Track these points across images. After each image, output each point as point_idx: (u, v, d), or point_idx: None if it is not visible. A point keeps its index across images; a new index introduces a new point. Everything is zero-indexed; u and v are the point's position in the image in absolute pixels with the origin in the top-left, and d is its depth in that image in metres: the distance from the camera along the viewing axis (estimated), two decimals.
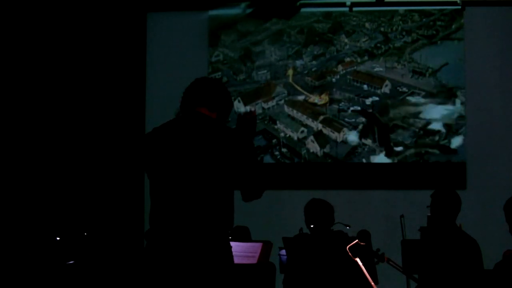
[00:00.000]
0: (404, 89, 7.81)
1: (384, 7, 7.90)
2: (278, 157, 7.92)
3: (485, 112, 7.70)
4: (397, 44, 7.88)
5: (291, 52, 8.03)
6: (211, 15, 8.11)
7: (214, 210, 3.09)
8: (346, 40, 7.98)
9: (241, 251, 4.84)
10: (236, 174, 3.14)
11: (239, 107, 7.99)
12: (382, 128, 7.78)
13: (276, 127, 7.96)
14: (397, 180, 7.74)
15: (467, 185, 7.58)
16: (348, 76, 7.92)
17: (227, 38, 8.10)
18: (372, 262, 5.15)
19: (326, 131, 7.87)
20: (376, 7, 7.91)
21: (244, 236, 6.18)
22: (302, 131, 7.91)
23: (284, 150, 7.91)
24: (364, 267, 4.56)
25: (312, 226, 5.40)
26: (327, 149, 7.85)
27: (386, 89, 7.84)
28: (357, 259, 4.57)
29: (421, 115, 7.76)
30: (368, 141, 7.80)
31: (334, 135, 7.86)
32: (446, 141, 7.70)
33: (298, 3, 8.01)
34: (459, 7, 7.77)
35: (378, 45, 7.92)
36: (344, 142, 7.84)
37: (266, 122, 7.97)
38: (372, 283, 4.54)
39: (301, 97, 7.95)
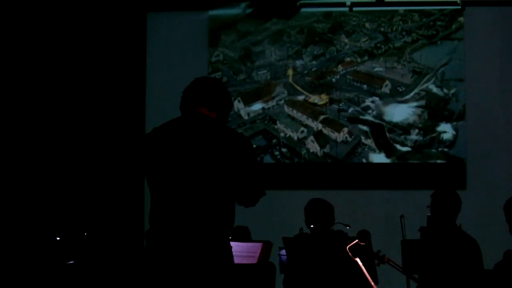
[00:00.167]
0: (404, 89, 7.81)
1: (384, 7, 7.90)
2: (278, 157, 7.91)
3: (485, 112, 7.70)
4: (397, 44, 7.88)
5: (291, 52, 8.03)
6: (211, 15, 8.11)
7: (214, 210, 3.09)
8: (346, 40, 7.98)
9: (241, 251, 4.84)
10: (236, 174, 3.13)
11: (239, 107, 7.99)
12: (381, 131, 7.78)
13: (276, 127, 7.96)
14: (397, 180, 7.74)
15: (467, 185, 7.58)
16: (348, 76, 7.92)
17: (227, 38, 8.10)
18: (372, 262, 5.15)
19: (326, 131, 7.87)
20: (376, 7, 7.91)
21: (244, 236, 6.17)
22: (302, 131, 7.91)
23: (284, 150, 7.91)
24: (364, 267, 4.56)
25: (312, 226, 5.40)
26: (327, 149, 7.85)
27: (386, 89, 7.84)
28: (357, 259, 4.56)
29: (421, 115, 7.76)
30: (368, 141, 7.80)
31: (334, 135, 7.86)
32: (446, 141, 7.70)
33: (298, 3, 8.01)
34: (459, 7, 7.77)
35: (378, 45, 7.92)
36: (344, 142, 7.84)
37: (266, 122, 7.97)
38: (372, 283, 4.54)
39: (301, 97, 7.95)
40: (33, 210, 7.29)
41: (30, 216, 7.20)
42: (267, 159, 7.91)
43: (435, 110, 7.75)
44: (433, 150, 7.71)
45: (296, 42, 8.03)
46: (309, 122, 7.90)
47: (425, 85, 7.79)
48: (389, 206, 7.52)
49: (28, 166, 7.46)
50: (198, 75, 3.48)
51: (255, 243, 5.03)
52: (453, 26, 7.81)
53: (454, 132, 7.70)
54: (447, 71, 7.77)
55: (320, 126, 7.89)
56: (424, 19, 7.88)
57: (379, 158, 7.76)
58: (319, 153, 7.87)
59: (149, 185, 3.20)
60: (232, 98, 3.67)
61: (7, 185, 7.26)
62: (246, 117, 7.99)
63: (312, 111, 7.92)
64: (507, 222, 4.53)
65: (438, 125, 7.72)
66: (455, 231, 4.95)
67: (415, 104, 7.78)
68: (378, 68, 7.88)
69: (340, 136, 7.84)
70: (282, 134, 7.94)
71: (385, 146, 7.76)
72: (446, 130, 7.71)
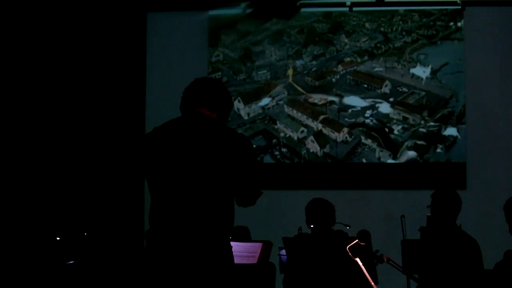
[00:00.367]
0: (404, 89, 7.81)
1: (384, 7, 7.90)
2: (278, 157, 7.91)
3: (485, 112, 7.70)
4: (397, 44, 7.88)
5: (291, 52, 8.03)
6: (211, 15, 8.11)
7: (214, 210, 3.09)
8: (346, 40, 7.98)
9: (241, 251, 4.84)
10: (236, 175, 3.13)
11: (239, 107, 7.99)
12: (382, 131, 7.78)
13: (276, 127, 7.95)
14: (397, 180, 7.74)
15: (467, 185, 7.58)
16: (348, 76, 7.92)
17: (227, 38, 8.10)
18: (372, 262, 5.15)
19: (326, 131, 7.87)
20: (376, 7, 7.91)
21: (244, 236, 6.17)
22: (302, 131, 7.91)
23: (284, 150, 7.91)
24: (364, 267, 4.56)
25: (312, 226, 5.40)
26: (327, 149, 7.85)
27: (386, 89, 7.84)
28: (357, 259, 4.56)
29: (421, 115, 7.76)
30: (368, 141, 7.80)
31: (334, 135, 7.86)
32: (446, 141, 7.71)
33: (298, 3, 8.01)
34: (459, 7, 7.77)
35: (378, 45, 7.92)
36: (344, 142, 7.84)
37: (266, 122, 7.97)
38: (372, 283, 4.54)
39: (301, 97, 7.95)
40: (33, 210, 7.29)
41: (30, 216, 7.20)
42: (267, 159, 7.91)
43: (435, 110, 7.75)
44: (433, 150, 7.71)
45: (296, 42, 8.03)
46: (309, 122, 7.90)
47: (425, 85, 7.79)
48: (389, 206, 7.52)
49: (28, 166, 7.46)
50: (198, 75, 3.48)
51: (255, 243, 5.03)
52: (453, 26, 7.81)
53: (454, 132, 7.70)
54: (447, 71, 7.77)
55: (320, 126, 7.89)
56: (424, 19, 7.88)
57: (383, 158, 7.76)
58: (319, 153, 7.87)
59: (149, 185, 3.20)
60: (232, 98, 3.66)
61: (7, 185, 7.26)
62: (246, 117, 7.99)
63: (312, 111, 7.92)
64: (507, 222, 4.53)
65: (438, 125, 7.72)
66: (455, 231, 4.95)
67: (415, 104, 7.78)
68: (378, 68, 7.89)
69: (340, 136, 7.84)
70: (282, 134, 7.94)
71: (389, 146, 7.76)
72: (446, 130, 7.71)
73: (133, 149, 3.32)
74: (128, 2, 7.96)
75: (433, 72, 7.78)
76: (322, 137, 7.87)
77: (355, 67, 7.93)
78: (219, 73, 8.05)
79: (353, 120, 7.84)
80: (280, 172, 7.88)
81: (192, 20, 8.12)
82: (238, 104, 7.97)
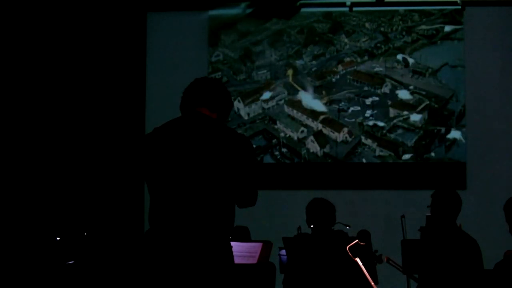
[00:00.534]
0: (404, 89, 7.81)
1: (384, 7, 7.90)
2: (278, 157, 7.91)
3: (485, 112, 7.70)
4: (397, 44, 7.88)
5: (291, 52, 8.03)
6: (211, 15, 8.11)
7: (214, 210, 3.09)
8: (346, 40, 7.98)
9: (241, 251, 4.84)
10: (235, 175, 3.13)
11: (239, 107, 7.99)
12: (382, 131, 7.79)
13: (276, 127, 7.95)
14: (397, 180, 7.74)
15: (467, 185, 7.58)
16: (348, 76, 7.92)
17: (227, 38, 8.10)
18: (372, 262, 5.15)
19: (326, 131, 7.87)
20: (376, 7, 7.91)
21: (244, 236, 6.17)
22: (302, 131, 7.91)
23: (284, 150, 7.91)
24: (364, 267, 4.56)
25: (312, 226, 5.40)
26: (327, 149, 7.85)
27: (386, 89, 7.84)
28: (357, 259, 4.56)
29: (421, 115, 7.76)
30: (368, 141, 7.80)
31: (334, 135, 7.86)
32: (446, 141, 7.71)
33: (298, 3, 8.01)
34: (459, 7, 7.77)
35: (378, 45, 7.92)
36: (344, 142, 7.84)
37: (266, 122, 7.97)
38: (372, 283, 4.54)
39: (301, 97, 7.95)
40: (33, 210, 7.29)
41: (30, 216, 7.20)
42: (267, 159, 7.91)
43: (435, 110, 7.75)
44: (433, 150, 7.71)
45: (296, 42, 8.03)
46: (309, 122, 7.90)
47: (425, 85, 7.79)
48: (389, 206, 7.52)
49: (28, 166, 7.46)
50: (198, 75, 3.48)
51: (255, 243, 5.03)
52: (453, 26, 7.81)
53: (454, 132, 7.70)
54: (447, 71, 7.77)
55: (320, 126, 7.89)
56: (424, 19, 7.88)
57: (383, 158, 7.76)
58: (319, 153, 7.87)
59: (148, 185, 3.20)
60: (232, 98, 3.66)
61: (7, 185, 7.26)
62: (246, 117, 7.99)
63: (312, 111, 7.91)
64: (507, 222, 4.53)
65: (438, 125, 7.72)
66: (455, 231, 4.95)
67: (415, 104, 7.78)
68: (378, 68, 7.89)
69: (340, 136, 7.84)
70: (282, 134, 7.94)
71: (389, 146, 7.76)
72: (446, 130, 7.71)
73: (133, 150, 3.32)
74: (128, 2, 7.97)
75: (433, 72, 7.78)
76: (322, 137, 7.87)
77: (355, 67, 7.93)
78: (219, 73, 8.05)
79: (353, 120, 7.84)
80: (280, 172, 7.88)
81: (192, 20, 8.12)
82: (238, 104, 7.97)
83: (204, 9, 8.12)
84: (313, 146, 7.88)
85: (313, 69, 7.98)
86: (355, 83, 7.90)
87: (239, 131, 4.79)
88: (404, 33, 7.89)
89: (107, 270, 6.90)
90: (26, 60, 7.58)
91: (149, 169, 3.19)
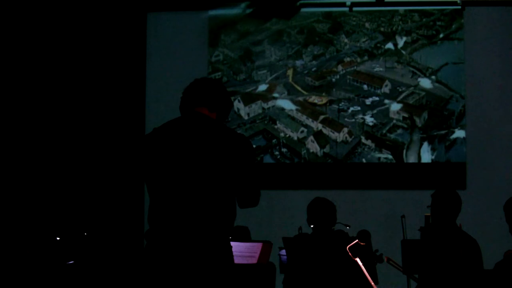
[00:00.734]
0: (404, 89, 7.81)
1: (384, 7, 7.90)
2: (278, 157, 7.91)
3: (485, 112, 7.70)
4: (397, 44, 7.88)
5: (291, 52, 8.03)
6: (211, 15, 8.11)
7: (214, 210, 3.09)
8: (346, 40, 7.98)
9: (241, 251, 4.84)
10: (235, 175, 3.13)
11: (239, 107, 7.99)
12: (381, 131, 7.79)
13: (276, 127, 7.95)
14: (397, 180, 7.74)
15: (467, 185, 7.58)
16: (348, 76, 7.92)
17: (227, 38, 8.10)
18: (372, 262, 5.15)
19: (326, 131, 7.87)
20: (376, 7, 7.91)
21: (244, 236, 6.17)
22: (302, 131, 7.91)
23: (284, 150, 7.91)
24: (364, 267, 4.56)
25: (312, 226, 5.40)
26: (327, 149, 7.85)
27: (386, 89, 7.84)
28: (357, 259, 4.57)
29: (421, 115, 7.77)
30: (368, 141, 7.80)
31: (334, 135, 7.86)
32: (446, 140, 7.71)
33: (298, 3, 8.01)
34: (459, 7, 7.77)
35: (378, 45, 7.92)
36: (344, 142, 7.84)
37: (266, 122, 7.97)
38: (372, 283, 4.54)
39: (301, 97, 7.95)
40: (33, 210, 7.28)
41: (30, 216, 7.20)
42: (267, 159, 7.91)
43: (435, 110, 7.75)
44: (433, 150, 7.71)
45: (296, 42, 8.03)
46: (309, 122, 7.90)
47: (425, 85, 7.79)
48: (389, 206, 7.52)
49: (28, 166, 7.46)
50: (198, 75, 3.49)
51: (255, 243, 5.02)
52: (453, 26, 7.81)
53: (454, 132, 7.70)
54: (447, 71, 7.77)
55: (320, 126, 7.89)
56: (424, 19, 7.88)
57: (383, 158, 7.76)
58: (319, 153, 7.87)
59: (148, 185, 3.20)
60: (232, 98, 3.66)
61: (7, 185, 7.26)
62: (246, 117, 7.99)
63: (312, 111, 7.91)
64: (507, 222, 4.53)
65: (438, 125, 7.72)
66: (455, 231, 4.95)
67: (415, 104, 7.78)
68: (378, 68, 7.89)
69: (340, 136, 7.84)
70: (282, 134, 7.94)
71: (389, 146, 7.76)
72: (446, 130, 7.71)
73: (133, 150, 3.32)
74: (128, 2, 7.96)
75: (433, 72, 7.78)
76: (322, 137, 7.87)
77: (355, 67, 7.93)
78: (219, 73, 8.05)
79: (353, 120, 7.84)
80: (280, 172, 7.88)
81: (192, 20, 8.12)
82: (238, 104, 7.97)
83: (204, 9, 8.12)
84: (313, 146, 7.88)
85: (313, 69, 7.98)
86: (355, 83, 7.90)
87: (239, 131, 4.80)
88: (404, 33, 7.89)
89: (107, 270, 6.89)
90: (26, 60, 7.58)
91: (148, 170, 3.19)
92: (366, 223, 6.41)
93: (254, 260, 4.84)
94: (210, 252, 3.05)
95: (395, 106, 7.79)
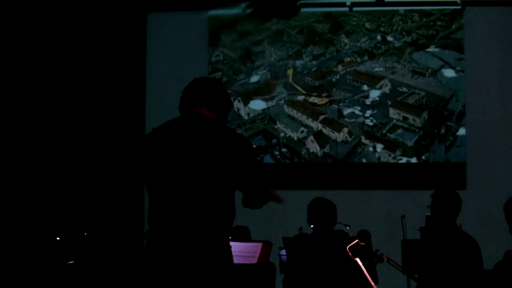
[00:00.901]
0: (404, 89, 7.81)
1: (384, 7, 7.90)
2: (278, 157, 7.91)
3: (485, 112, 7.70)
4: (397, 44, 7.88)
5: (291, 52, 8.03)
6: (211, 15, 8.11)
7: (213, 210, 3.09)
8: (346, 40, 7.98)
9: (241, 251, 4.84)
10: (235, 175, 3.13)
11: (239, 107, 7.99)
12: (381, 130, 7.79)
13: (276, 127, 7.95)
14: (397, 180, 7.74)
15: (467, 185, 7.58)
16: (348, 76, 7.92)
17: (227, 38, 8.10)
18: (372, 262, 5.15)
19: (326, 131, 7.87)
20: (376, 7, 7.91)
21: (244, 236, 6.18)
22: (302, 131, 7.91)
23: (284, 150, 7.91)
24: (364, 267, 4.56)
25: (312, 225, 5.40)
26: (327, 149, 7.85)
27: (386, 89, 7.84)
28: (357, 259, 4.56)
29: (421, 115, 7.77)
30: (368, 141, 7.80)
31: (334, 135, 7.86)
32: (446, 141, 7.71)
33: (298, 3, 8.01)
34: (459, 7, 7.77)
35: (378, 45, 7.92)
36: (344, 142, 7.84)
37: (266, 122, 7.97)
38: (372, 283, 4.54)
39: (301, 97, 7.95)
40: (33, 210, 7.28)
41: (30, 216, 7.20)
42: (267, 159, 7.91)
43: (435, 110, 7.75)
44: (433, 150, 7.71)
45: (296, 42, 8.03)
46: (309, 122, 7.90)
47: (425, 85, 7.79)
48: (389, 206, 7.52)
49: (28, 166, 7.46)
50: (198, 75, 3.48)
51: (255, 243, 5.03)
52: (453, 26, 7.81)
53: (454, 132, 7.70)
54: (447, 71, 7.77)
55: (320, 126, 7.89)
56: (424, 19, 7.88)
57: (383, 158, 7.76)
58: (319, 153, 7.87)
59: (147, 186, 3.20)
60: (232, 98, 3.66)
61: (7, 185, 7.26)
62: (246, 117, 7.99)
63: (312, 111, 7.92)
64: (507, 222, 4.53)
65: (438, 125, 7.72)
66: (455, 231, 4.95)
67: (415, 104, 7.78)
68: (378, 68, 7.89)
69: (340, 136, 7.84)
70: (282, 134, 7.93)
71: (389, 146, 7.76)
72: (446, 130, 7.71)
73: (133, 150, 3.32)
74: (128, 2, 7.96)
75: (433, 72, 7.78)
76: (322, 137, 7.87)
77: (355, 67, 7.93)
78: (219, 73, 8.05)
79: (353, 120, 7.84)
80: (280, 172, 7.88)
81: (192, 20, 8.12)
82: (238, 104, 7.97)
83: (204, 9, 8.12)
84: (313, 146, 7.88)
85: (313, 69, 7.98)
86: (355, 83, 7.90)
87: (239, 131, 4.80)
88: (404, 33, 7.89)
89: (107, 270, 6.89)
90: (26, 60, 7.58)
91: (148, 170, 3.19)
92: (366, 223, 6.42)
93: (254, 260, 4.84)
94: (209, 252, 3.05)
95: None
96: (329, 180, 7.79)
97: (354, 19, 7.98)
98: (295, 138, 7.92)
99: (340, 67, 7.94)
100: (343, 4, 7.94)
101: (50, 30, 7.69)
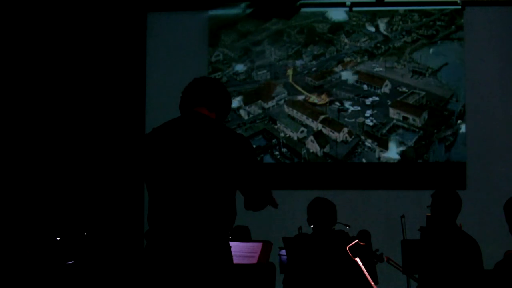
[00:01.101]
0: (404, 89, 7.82)
1: (384, 7, 7.90)
2: (278, 157, 7.91)
3: (485, 112, 7.70)
4: (397, 44, 7.88)
5: (291, 52, 8.03)
6: (211, 15, 8.11)
7: (213, 210, 3.09)
8: (346, 40, 7.98)
9: (241, 251, 4.84)
10: (235, 175, 3.13)
11: (239, 107, 7.99)
12: (381, 130, 7.79)
13: (276, 127, 7.96)
14: (397, 180, 7.74)
15: (467, 185, 7.58)
16: (348, 77, 7.92)
17: (227, 38, 8.10)
18: (372, 262, 5.15)
19: (326, 131, 7.87)
20: (376, 7, 7.91)
21: (244, 236, 6.17)
22: (302, 131, 7.91)
23: (284, 150, 7.91)
24: (364, 267, 4.56)
25: (312, 225, 5.40)
26: (327, 149, 7.85)
27: (386, 89, 7.84)
28: (357, 259, 4.56)
29: (421, 115, 7.77)
30: (368, 141, 7.80)
31: (334, 135, 7.86)
32: (446, 140, 7.71)
33: (298, 3, 8.01)
34: (459, 7, 7.77)
35: (378, 45, 7.92)
36: (344, 142, 7.84)
37: (266, 122, 7.97)
38: (372, 283, 4.54)
39: (301, 97, 7.95)
40: (33, 210, 7.29)
41: (30, 216, 7.20)
42: (267, 159, 7.91)
43: (435, 110, 7.75)
44: (433, 150, 7.71)
45: (296, 42, 8.03)
46: (309, 122, 7.90)
47: (425, 85, 7.79)
48: (389, 206, 7.52)
49: (28, 166, 7.46)
50: (198, 75, 3.48)
51: (255, 243, 5.02)
52: (453, 26, 7.81)
53: (454, 132, 7.70)
54: (447, 71, 7.77)
55: (320, 126, 7.89)
56: (424, 19, 7.88)
57: (383, 158, 7.76)
58: (319, 153, 7.87)
59: (147, 185, 3.20)
60: (232, 98, 3.66)
61: (7, 185, 7.26)
62: (246, 117, 7.99)
63: (312, 111, 7.92)
64: (507, 222, 4.53)
65: (438, 125, 7.72)
66: (455, 231, 4.95)
67: (415, 104, 7.78)
68: (378, 68, 7.89)
69: (340, 136, 7.84)
70: (282, 134, 7.94)
71: (388, 146, 7.76)
72: (446, 130, 7.71)
73: (133, 150, 3.32)
74: (128, 2, 7.97)
75: (433, 72, 7.78)
76: (322, 137, 7.88)
77: (355, 67, 7.93)
78: (219, 73, 8.05)
79: (353, 120, 7.84)
80: (280, 172, 7.88)
81: (192, 20, 8.12)
82: (238, 104, 7.96)
83: (204, 9, 8.12)
84: (313, 146, 7.88)
85: (313, 69, 7.98)
86: (355, 83, 7.90)
87: (239, 131, 4.80)
88: (404, 33, 7.89)
89: (107, 270, 6.89)
90: (26, 60, 7.58)
91: (148, 170, 3.18)
92: (366, 223, 6.42)
93: (254, 260, 4.84)
94: (209, 252, 3.05)
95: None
96: (329, 180, 7.80)
97: (354, 19, 7.98)
98: (295, 138, 7.92)
99: (340, 67, 7.94)
100: (343, 4, 7.94)
101: (50, 30, 7.69)
